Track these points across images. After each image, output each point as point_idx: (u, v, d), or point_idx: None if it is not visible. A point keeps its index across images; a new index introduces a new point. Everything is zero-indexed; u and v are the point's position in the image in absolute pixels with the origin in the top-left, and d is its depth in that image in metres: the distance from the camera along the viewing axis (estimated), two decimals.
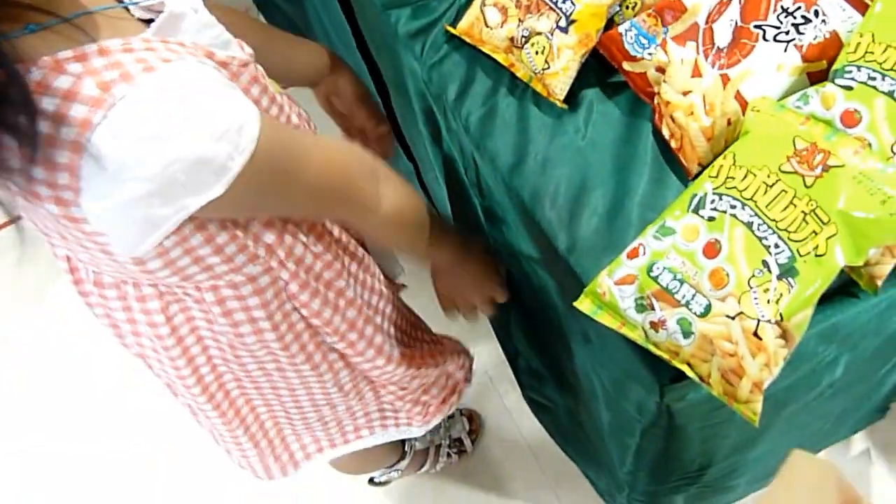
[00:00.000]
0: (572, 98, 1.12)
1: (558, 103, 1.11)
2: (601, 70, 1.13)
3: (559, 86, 1.10)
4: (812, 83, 0.98)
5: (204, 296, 1.01)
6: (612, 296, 0.89)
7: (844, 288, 0.91)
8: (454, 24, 1.22)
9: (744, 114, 0.96)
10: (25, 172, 0.74)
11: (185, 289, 1.00)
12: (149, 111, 0.74)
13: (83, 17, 0.77)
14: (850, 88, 0.90)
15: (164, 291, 1.02)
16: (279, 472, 1.41)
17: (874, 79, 0.89)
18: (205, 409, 1.20)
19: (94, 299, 1.06)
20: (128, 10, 0.85)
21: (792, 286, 0.81)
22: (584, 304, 0.91)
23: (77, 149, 0.72)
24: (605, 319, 0.89)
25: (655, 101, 1.05)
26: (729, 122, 0.97)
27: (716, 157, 0.96)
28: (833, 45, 0.96)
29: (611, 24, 1.11)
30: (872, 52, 0.90)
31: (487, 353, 2.16)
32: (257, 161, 0.80)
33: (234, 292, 1.00)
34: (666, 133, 1.03)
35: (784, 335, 0.80)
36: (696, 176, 0.99)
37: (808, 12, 0.96)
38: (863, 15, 0.95)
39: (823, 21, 0.96)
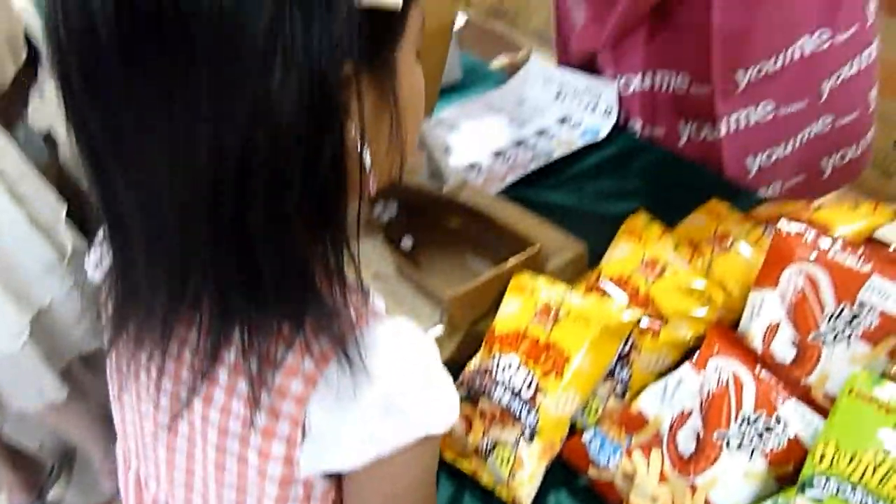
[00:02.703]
0: (538, 501, 1.03)
1: None
2: (567, 473, 1.05)
3: (525, 494, 1.01)
4: (779, 485, 0.91)
5: None
6: None
7: None
8: None
9: None
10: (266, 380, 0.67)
11: None
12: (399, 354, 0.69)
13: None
14: (820, 501, 0.83)
15: None
16: None
17: (844, 490, 0.82)
18: None
19: None
20: None
21: None
22: None
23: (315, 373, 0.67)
24: None
25: None
26: None
27: None
28: (797, 450, 0.89)
29: (573, 427, 1.05)
30: (838, 463, 0.84)
31: None
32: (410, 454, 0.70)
33: None
34: None
35: None
36: None
37: (770, 420, 0.90)
38: (823, 418, 0.89)
39: (785, 427, 0.90)
